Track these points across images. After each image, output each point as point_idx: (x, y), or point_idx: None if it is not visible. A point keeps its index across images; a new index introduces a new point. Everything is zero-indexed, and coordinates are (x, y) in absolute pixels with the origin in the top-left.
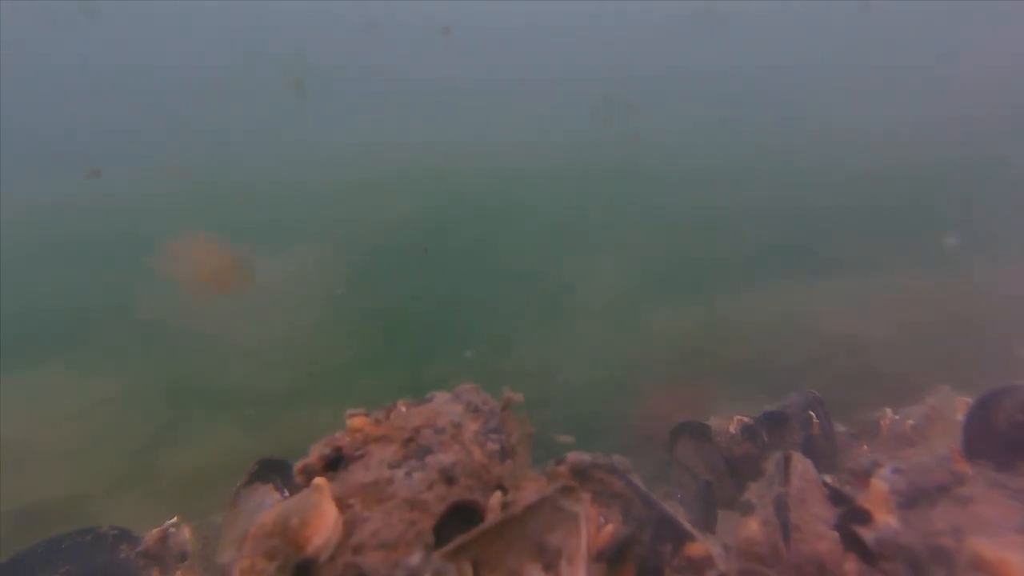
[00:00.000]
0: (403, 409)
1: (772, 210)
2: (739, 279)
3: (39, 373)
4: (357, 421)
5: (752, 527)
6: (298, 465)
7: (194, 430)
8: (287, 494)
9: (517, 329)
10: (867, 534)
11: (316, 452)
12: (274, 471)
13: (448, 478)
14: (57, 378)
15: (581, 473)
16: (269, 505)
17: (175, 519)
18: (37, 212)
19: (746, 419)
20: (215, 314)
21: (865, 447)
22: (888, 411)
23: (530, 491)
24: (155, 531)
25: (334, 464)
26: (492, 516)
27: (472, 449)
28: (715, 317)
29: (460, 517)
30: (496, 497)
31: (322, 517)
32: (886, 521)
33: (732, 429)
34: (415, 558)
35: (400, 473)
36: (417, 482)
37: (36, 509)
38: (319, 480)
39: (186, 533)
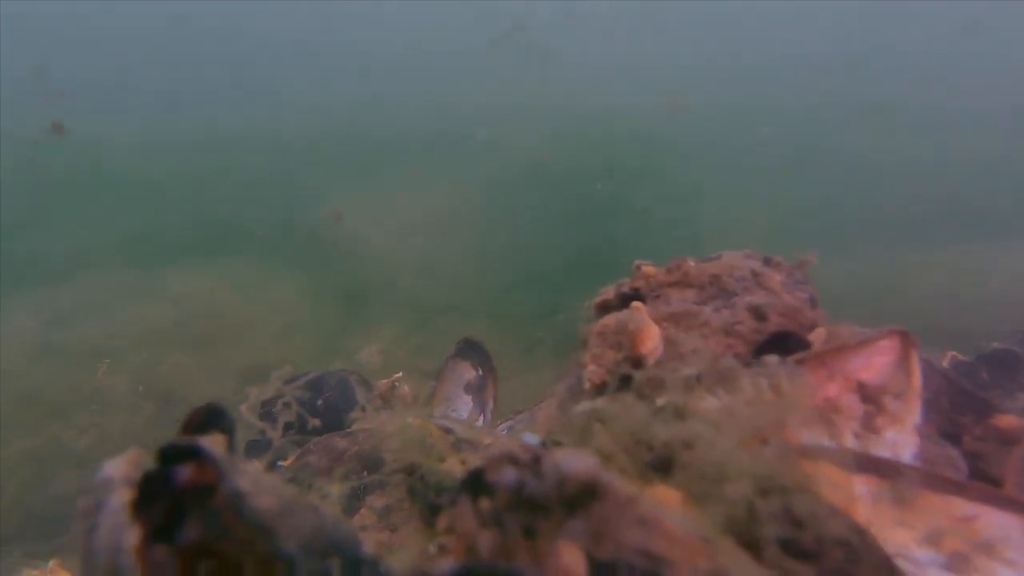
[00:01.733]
0: (692, 263)
1: None
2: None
3: (241, 263)
4: (649, 268)
5: None
6: (596, 300)
7: (372, 322)
8: (480, 372)
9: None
10: None
11: (612, 291)
12: (472, 350)
13: (759, 315)
14: (252, 269)
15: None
16: (469, 376)
17: (400, 374)
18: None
19: (961, 356)
20: (387, 234)
21: None
22: None
23: (849, 333)
24: (385, 381)
25: (628, 303)
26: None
27: (780, 293)
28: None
29: (780, 350)
30: (819, 333)
31: (650, 327)
32: None
33: (946, 364)
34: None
35: (707, 309)
36: (727, 316)
37: (255, 369)
38: (636, 303)
39: (407, 387)
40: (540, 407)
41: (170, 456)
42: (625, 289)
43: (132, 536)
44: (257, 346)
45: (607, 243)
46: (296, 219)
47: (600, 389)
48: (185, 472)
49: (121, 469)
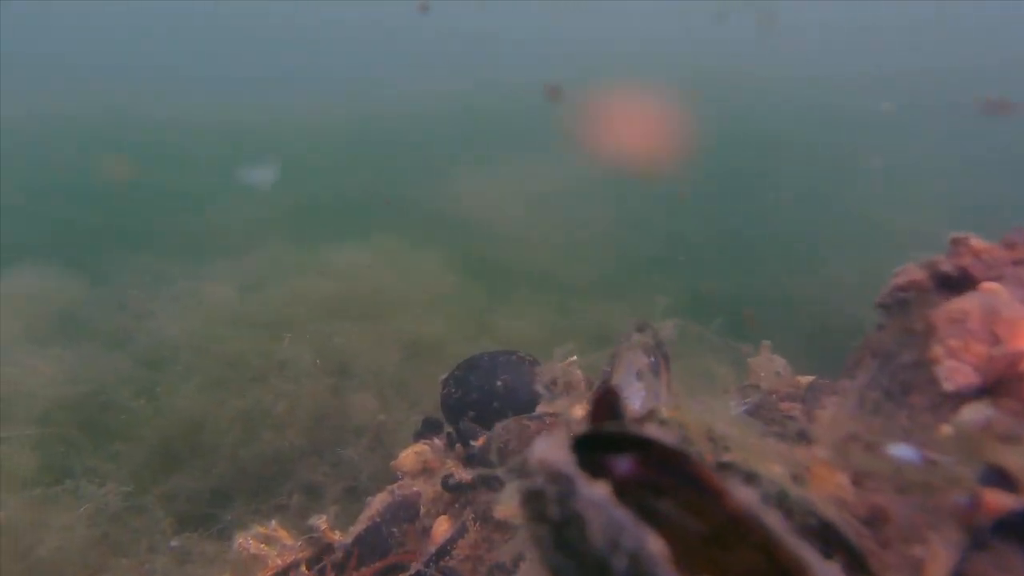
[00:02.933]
0: None
1: None
2: None
3: (381, 239)
4: (978, 242)
5: None
6: (897, 281)
7: (513, 301)
8: (654, 358)
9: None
10: None
11: (919, 270)
12: (643, 334)
13: None
14: (397, 245)
15: None
16: (642, 362)
17: (574, 357)
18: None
19: None
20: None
21: None
22: None
23: None
24: (559, 364)
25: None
26: None
27: None
28: None
29: None
30: None
31: None
32: None
33: None
34: None
35: None
36: None
37: (415, 343)
38: (990, 284)
39: (579, 371)
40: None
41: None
42: (946, 268)
43: (652, 538)
44: (412, 318)
45: (752, 222)
46: (429, 197)
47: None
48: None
49: (563, 456)
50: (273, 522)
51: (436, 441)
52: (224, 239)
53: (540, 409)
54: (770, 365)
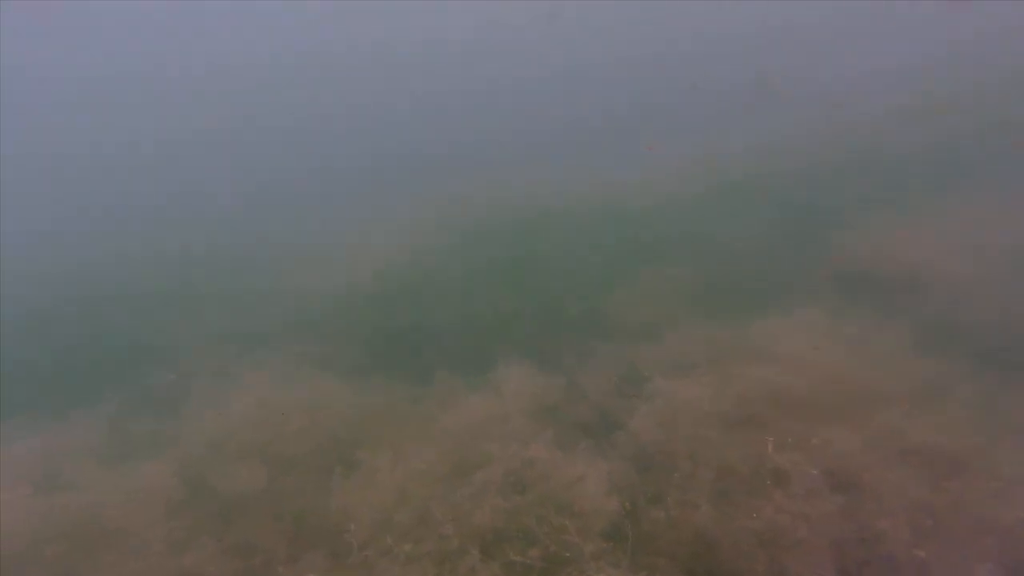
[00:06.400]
0: None
1: None
2: None
3: (806, 315)
4: None
5: None
6: None
7: None
8: None
9: None
10: None
11: None
12: None
13: None
14: (830, 319)
15: None
16: None
17: None
18: None
19: None
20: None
21: None
22: None
23: None
24: None
25: None
26: None
27: None
28: None
29: None
30: None
31: None
32: None
33: None
34: None
35: None
36: None
37: (930, 452)
38: None
39: None
40: None
41: None
42: None
43: None
44: (901, 416)
45: None
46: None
47: None
48: None
49: None
50: None
51: None
52: (639, 322)
53: None
54: None
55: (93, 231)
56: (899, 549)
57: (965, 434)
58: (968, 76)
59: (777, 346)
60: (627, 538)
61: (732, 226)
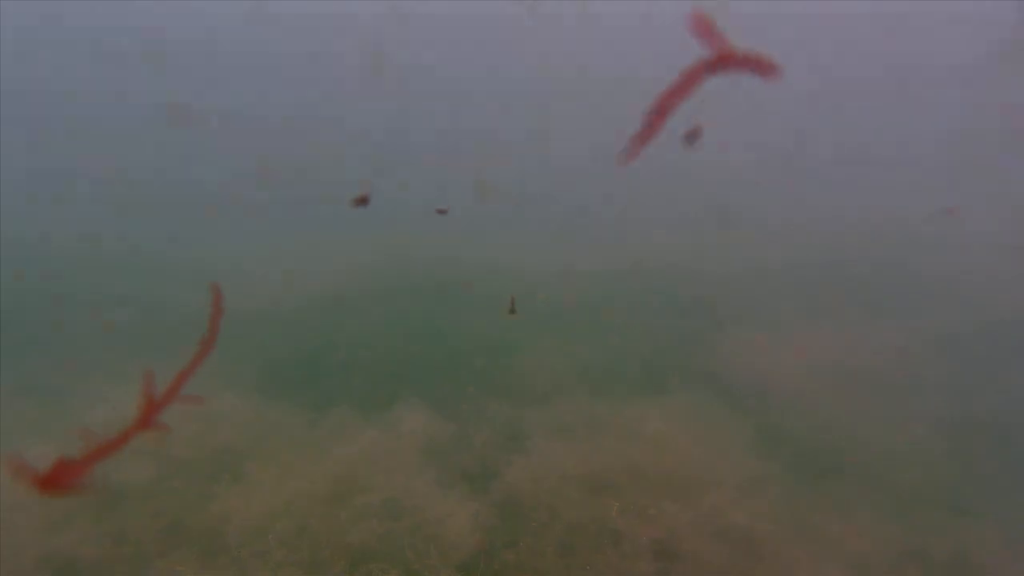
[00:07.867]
0: None
1: None
2: None
3: (671, 400)
4: None
5: None
6: None
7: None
8: None
9: None
10: None
11: None
12: None
13: None
14: (682, 407)
15: None
16: None
17: None
18: None
19: None
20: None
21: None
22: None
23: None
24: None
25: None
26: None
27: None
28: None
29: None
30: None
31: None
32: None
33: None
34: None
35: None
36: None
37: (741, 533)
38: None
39: None
40: None
41: None
42: None
43: None
44: (728, 501)
45: None
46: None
47: None
48: None
49: None
50: None
51: None
52: (534, 388)
53: None
54: None
55: None
56: None
57: (769, 524)
58: None
59: (643, 426)
60: (478, 572)
61: (632, 314)
